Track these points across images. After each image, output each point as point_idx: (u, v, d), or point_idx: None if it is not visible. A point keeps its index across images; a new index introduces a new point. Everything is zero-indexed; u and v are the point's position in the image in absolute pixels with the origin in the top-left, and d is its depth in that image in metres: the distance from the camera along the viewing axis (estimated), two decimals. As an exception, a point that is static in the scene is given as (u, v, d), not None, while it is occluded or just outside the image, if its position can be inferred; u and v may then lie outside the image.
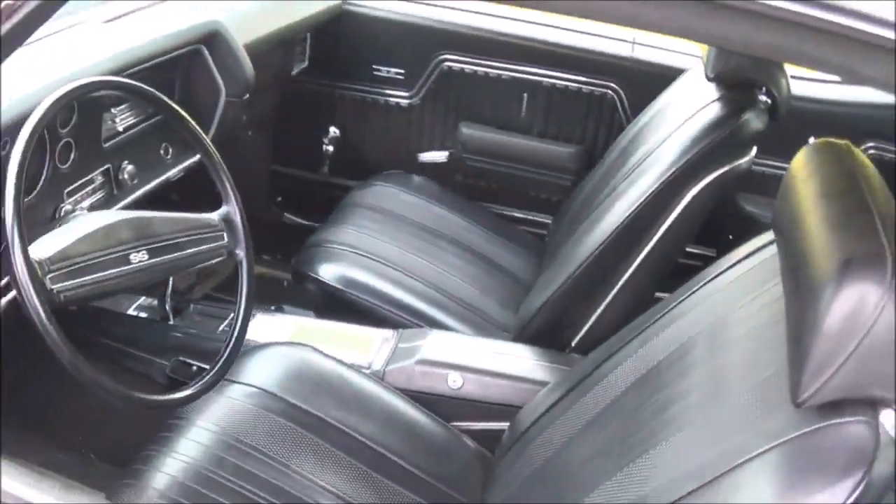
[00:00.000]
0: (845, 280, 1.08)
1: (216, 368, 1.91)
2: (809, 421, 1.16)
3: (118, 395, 1.70)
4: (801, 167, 1.39)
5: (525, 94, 3.15)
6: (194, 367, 2.31)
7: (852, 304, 1.07)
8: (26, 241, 1.57)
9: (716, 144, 2.15)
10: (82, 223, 1.77)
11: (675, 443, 1.39)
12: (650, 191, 2.20)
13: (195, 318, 2.48)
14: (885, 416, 1.13)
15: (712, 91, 2.28)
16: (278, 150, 3.46)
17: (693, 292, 1.69)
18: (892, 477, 1.13)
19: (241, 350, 2.00)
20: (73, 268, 1.65)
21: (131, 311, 2.51)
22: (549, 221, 3.15)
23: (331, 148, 3.41)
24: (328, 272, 2.62)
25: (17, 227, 1.55)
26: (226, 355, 1.94)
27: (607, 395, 1.70)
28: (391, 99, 3.31)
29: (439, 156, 3.33)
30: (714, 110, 2.22)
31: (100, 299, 1.81)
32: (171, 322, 2.43)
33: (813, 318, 1.10)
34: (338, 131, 3.39)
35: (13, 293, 1.58)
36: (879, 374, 1.09)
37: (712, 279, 1.67)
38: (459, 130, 3.25)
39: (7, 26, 1.24)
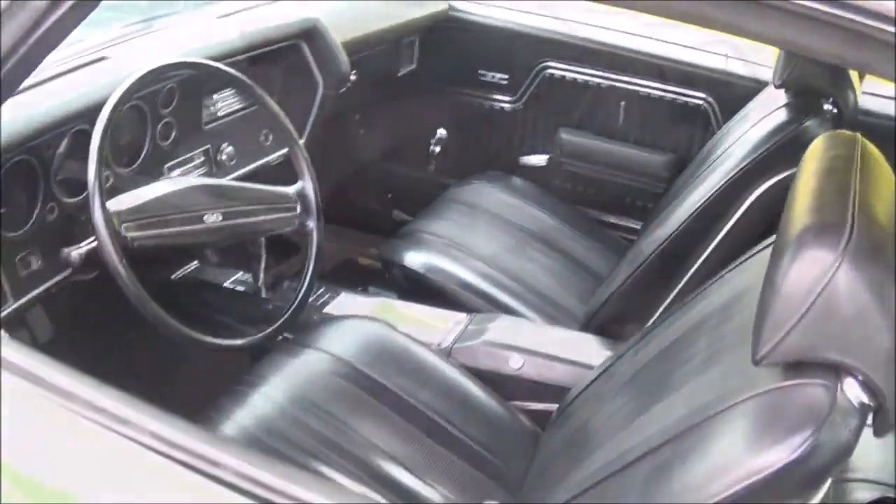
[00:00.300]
0: (801, 245, 1.17)
1: (274, 326, 2.09)
2: (774, 380, 1.24)
3: (179, 334, 1.90)
4: (812, 152, 1.49)
5: (623, 103, 3.25)
6: (280, 337, 2.48)
7: (806, 267, 1.16)
8: (104, 195, 1.78)
9: (777, 148, 2.23)
10: (164, 184, 1.99)
11: (669, 401, 1.50)
12: (713, 191, 2.30)
13: (288, 294, 2.66)
14: (849, 385, 1.20)
15: (780, 98, 2.35)
16: (389, 149, 3.62)
17: (722, 275, 1.79)
18: (851, 443, 1.20)
19: (302, 313, 2.17)
20: (147, 220, 1.88)
21: (227, 285, 2.70)
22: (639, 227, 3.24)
23: (437, 148, 3.56)
24: (413, 258, 2.78)
25: (97, 183, 1.78)
26: (286, 315, 2.12)
27: (634, 368, 1.82)
28: (496, 103, 3.45)
29: (539, 159, 3.45)
30: (778, 116, 2.30)
31: (176, 253, 2.01)
32: (264, 296, 2.61)
33: (774, 279, 1.20)
34: (445, 132, 3.54)
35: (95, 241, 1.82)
36: (833, 337, 1.16)
37: (743, 262, 1.76)
38: (559, 135, 3.37)
39: (41, 30, 1.41)
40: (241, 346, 2.10)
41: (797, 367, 1.22)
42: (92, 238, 1.90)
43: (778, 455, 1.17)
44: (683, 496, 1.26)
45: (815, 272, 1.15)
